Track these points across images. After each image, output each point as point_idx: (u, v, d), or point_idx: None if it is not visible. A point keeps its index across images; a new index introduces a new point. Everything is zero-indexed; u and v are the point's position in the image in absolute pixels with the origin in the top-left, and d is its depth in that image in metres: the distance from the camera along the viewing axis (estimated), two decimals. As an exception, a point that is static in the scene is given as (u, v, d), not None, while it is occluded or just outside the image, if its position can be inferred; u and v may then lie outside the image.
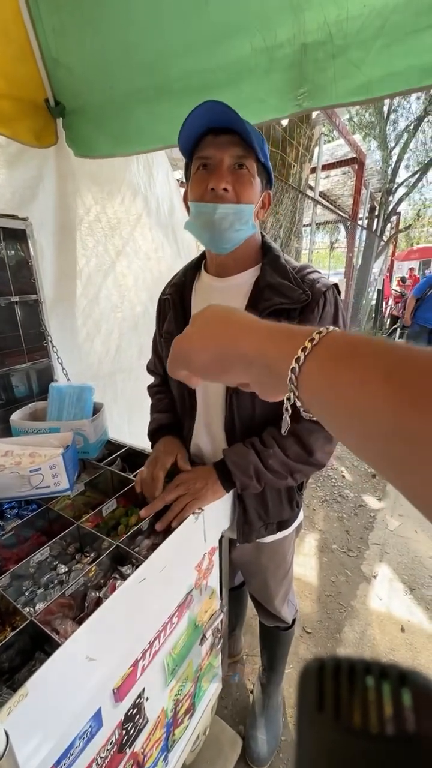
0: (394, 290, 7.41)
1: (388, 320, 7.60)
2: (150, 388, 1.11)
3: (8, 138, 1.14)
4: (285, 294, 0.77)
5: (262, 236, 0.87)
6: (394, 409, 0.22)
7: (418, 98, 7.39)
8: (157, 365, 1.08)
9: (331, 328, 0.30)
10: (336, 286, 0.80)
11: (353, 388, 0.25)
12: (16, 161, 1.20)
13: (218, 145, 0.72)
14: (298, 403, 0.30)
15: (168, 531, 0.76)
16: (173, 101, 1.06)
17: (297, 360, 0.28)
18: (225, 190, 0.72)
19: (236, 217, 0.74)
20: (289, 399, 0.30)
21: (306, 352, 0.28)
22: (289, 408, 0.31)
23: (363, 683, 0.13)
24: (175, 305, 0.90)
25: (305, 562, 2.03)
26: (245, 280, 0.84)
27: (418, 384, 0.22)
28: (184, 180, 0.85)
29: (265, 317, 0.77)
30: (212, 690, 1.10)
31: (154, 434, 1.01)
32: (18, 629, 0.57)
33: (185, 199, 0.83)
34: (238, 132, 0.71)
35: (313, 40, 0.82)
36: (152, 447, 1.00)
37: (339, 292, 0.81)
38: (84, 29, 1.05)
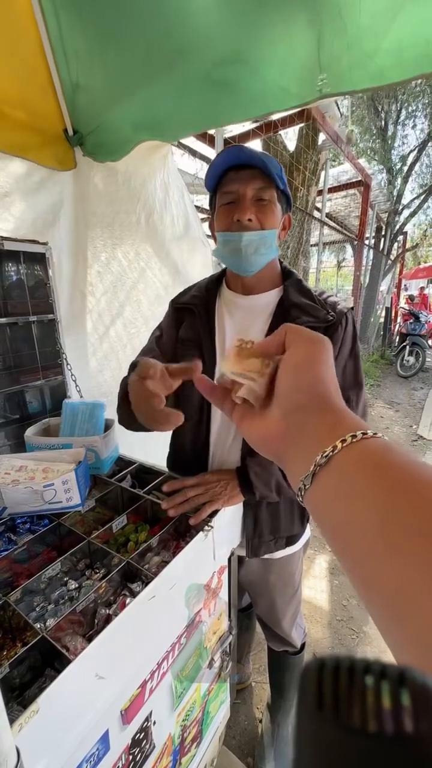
0: (402, 308, 7.44)
1: (397, 337, 7.60)
2: (124, 380, 0.88)
3: (34, 163, 1.23)
4: (311, 314, 0.82)
5: (280, 261, 0.94)
6: None
7: (417, 128, 7.64)
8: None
9: (370, 432, 0.27)
10: (352, 309, 0.87)
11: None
12: (40, 188, 1.28)
13: (240, 180, 0.79)
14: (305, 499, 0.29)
15: (178, 548, 0.76)
16: (201, 93, 1.09)
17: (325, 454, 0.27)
18: (249, 220, 0.79)
19: (261, 242, 0.81)
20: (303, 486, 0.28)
21: (335, 451, 0.27)
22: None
23: (362, 682, 0.13)
24: (200, 315, 0.92)
25: (315, 585, 1.98)
26: (270, 299, 0.89)
27: None
28: (210, 211, 0.91)
29: None
30: (220, 717, 1.07)
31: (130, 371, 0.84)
32: (29, 645, 0.58)
33: (211, 228, 0.91)
34: (258, 166, 0.77)
35: (329, 31, 0.84)
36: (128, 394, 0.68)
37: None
38: (106, 43, 1.07)
